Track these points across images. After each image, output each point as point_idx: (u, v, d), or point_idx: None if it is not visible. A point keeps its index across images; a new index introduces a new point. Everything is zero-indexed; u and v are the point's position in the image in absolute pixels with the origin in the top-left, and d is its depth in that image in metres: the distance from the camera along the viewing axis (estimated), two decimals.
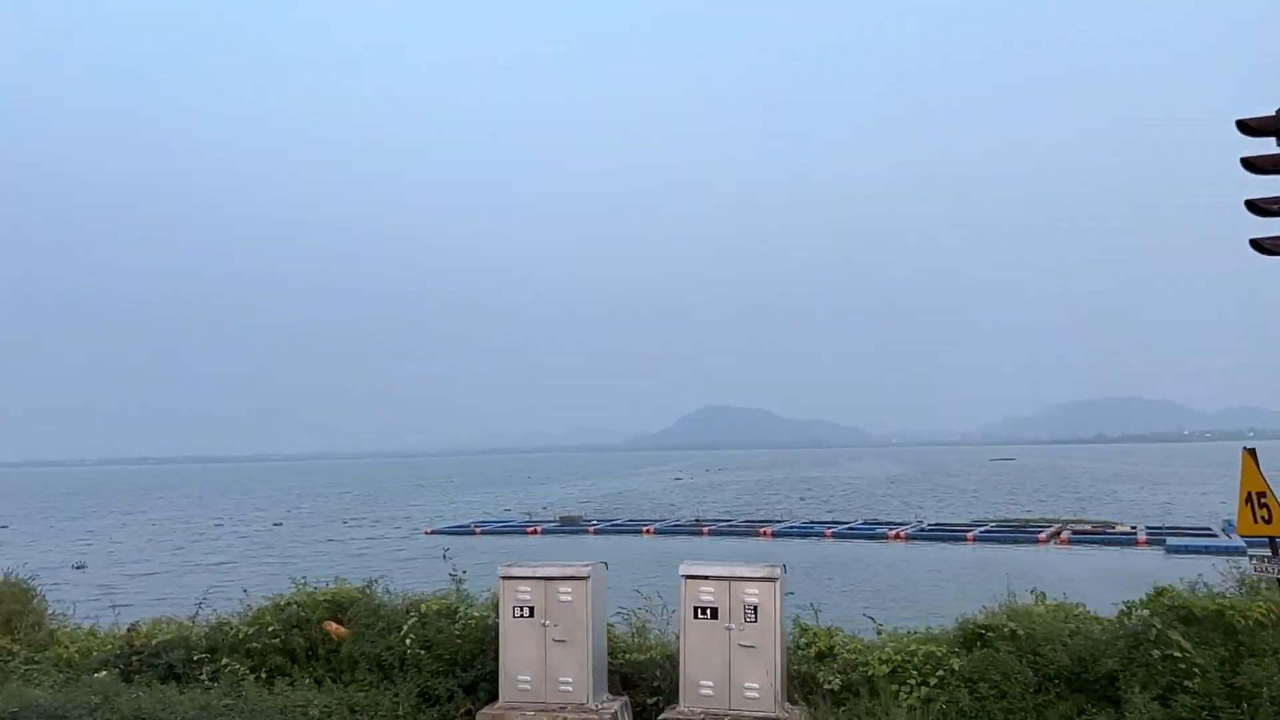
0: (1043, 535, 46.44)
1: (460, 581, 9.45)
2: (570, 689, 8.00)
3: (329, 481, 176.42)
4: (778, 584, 7.87)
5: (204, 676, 8.40)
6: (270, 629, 8.62)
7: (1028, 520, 54.77)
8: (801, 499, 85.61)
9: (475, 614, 8.75)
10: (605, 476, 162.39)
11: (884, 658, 7.87)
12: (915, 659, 7.80)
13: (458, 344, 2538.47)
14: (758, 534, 52.65)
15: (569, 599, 8.11)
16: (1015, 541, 45.83)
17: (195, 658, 8.63)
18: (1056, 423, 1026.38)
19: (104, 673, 8.57)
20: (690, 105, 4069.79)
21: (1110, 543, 44.69)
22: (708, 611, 7.87)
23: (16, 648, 9.16)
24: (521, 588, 8.20)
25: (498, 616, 8.38)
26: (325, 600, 8.92)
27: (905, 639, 8.21)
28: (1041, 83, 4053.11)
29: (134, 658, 8.82)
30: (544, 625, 8.09)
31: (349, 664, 8.49)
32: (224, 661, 8.46)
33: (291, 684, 8.21)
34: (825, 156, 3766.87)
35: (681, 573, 8.13)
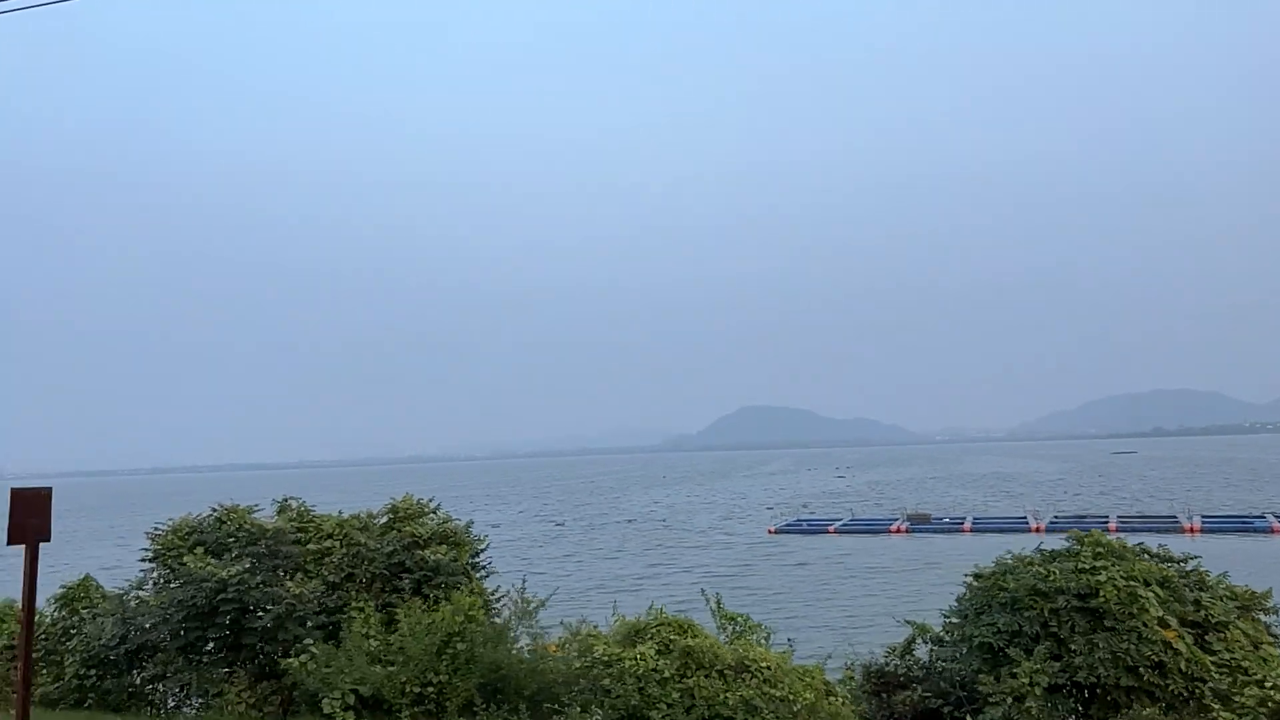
0: None
1: None
2: None
3: (466, 484, 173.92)
4: None
5: None
6: None
7: None
8: (1076, 495, 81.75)
9: None
10: (735, 478, 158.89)
11: None
12: None
13: (491, 347, 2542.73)
14: (1181, 530, 49.08)
15: None
16: None
17: None
18: (1103, 417, 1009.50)
19: None
20: (719, 93, 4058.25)
21: None
22: None
23: None
24: None
25: None
26: None
27: None
28: (1083, 76, 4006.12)
29: None
30: None
31: None
32: None
33: None
34: (858, 154, 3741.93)
35: None
